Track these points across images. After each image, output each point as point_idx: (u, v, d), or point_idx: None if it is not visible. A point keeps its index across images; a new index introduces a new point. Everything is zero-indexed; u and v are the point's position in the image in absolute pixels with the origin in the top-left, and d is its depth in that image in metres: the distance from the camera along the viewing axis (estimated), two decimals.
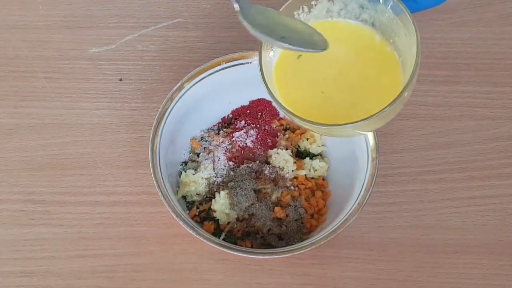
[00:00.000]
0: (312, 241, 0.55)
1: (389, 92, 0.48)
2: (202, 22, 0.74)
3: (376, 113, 0.46)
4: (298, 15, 0.52)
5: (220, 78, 0.63)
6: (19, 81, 0.70)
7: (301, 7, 0.51)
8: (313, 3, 0.51)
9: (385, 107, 0.46)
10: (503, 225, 0.63)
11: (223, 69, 0.62)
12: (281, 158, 0.62)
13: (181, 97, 0.61)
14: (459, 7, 0.75)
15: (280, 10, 0.51)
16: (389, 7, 0.49)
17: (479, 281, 0.60)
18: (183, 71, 0.66)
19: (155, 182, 0.57)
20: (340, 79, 0.51)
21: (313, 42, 0.48)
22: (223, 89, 0.64)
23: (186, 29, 0.73)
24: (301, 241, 0.58)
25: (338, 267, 0.61)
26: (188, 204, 0.63)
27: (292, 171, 0.63)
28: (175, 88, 0.61)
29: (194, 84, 0.62)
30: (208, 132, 0.67)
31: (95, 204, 0.64)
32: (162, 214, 0.63)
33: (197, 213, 0.62)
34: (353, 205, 0.57)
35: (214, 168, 0.63)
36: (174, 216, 0.55)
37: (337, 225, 0.56)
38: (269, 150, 0.64)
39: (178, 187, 0.63)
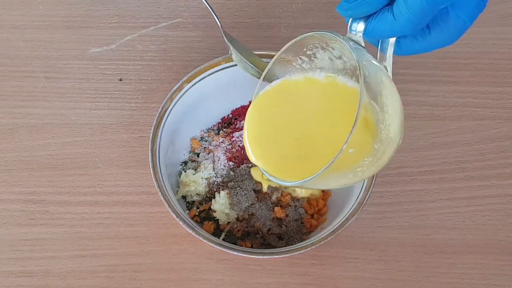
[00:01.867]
0: (312, 241, 0.55)
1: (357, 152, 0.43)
2: (202, 22, 0.74)
3: (310, 177, 0.43)
4: (300, 65, 0.51)
5: (220, 78, 0.63)
6: (19, 81, 0.70)
7: (298, 57, 0.50)
8: (309, 53, 0.49)
9: (319, 171, 0.42)
10: (503, 225, 0.63)
11: (223, 69, 0.62)
12: None
13: (181, 97, 0.61)
14: None
15: (272, 61, 0.50)
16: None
17: (479, 281, 0.60)
18: (183, 71, 0.66)
19: (155, 182, 0.57)
20: (300, 140, 0.49)
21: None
22: (223, 89, 0.64)
23: (186, 29, 0.73)
24: (301, 241, 0.58)
25: (338, 267, 0.61)
26: (188, 204, 0.63)
27: None
28: (175, 88, 0.61)
29: (194, 84, 0.62)
30: (208, 132, 0.66)
31: (95, 204, 0.64)
32: (162, 214, 0.63)
33: (197, 213, 0.62)
34: (353, 205, 0.57)
35: (214, 168, 0.63)
36: (174, 216, 0.55)
37: (337, 225, 0.56)
38: None
39: (178, 187, 0.63)
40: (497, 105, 0.69)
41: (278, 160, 0.50)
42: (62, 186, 0.64)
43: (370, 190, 0.56)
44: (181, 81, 0.61)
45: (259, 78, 0.59)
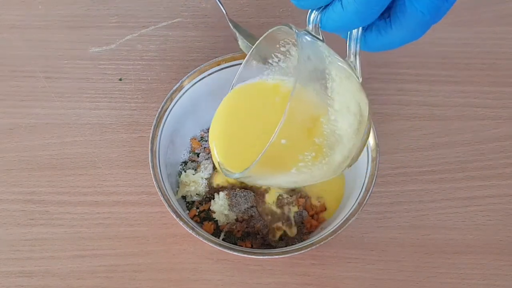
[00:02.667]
0: (312, 241, 0.55)
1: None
2: (202, 22, 0.74)
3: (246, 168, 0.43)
4: (277, 63, 0.50)
5: (220, 78, 0.63)
6: (19, 81, 0.70)
7: (272, 54, 0.50)
8: (283, 49, 0.49)
9: (253, 162, 0.42)
10: (503, 225, 0.63)
11: (223, 69, 0.62)
12: None
13: (181, 97, 0.61)
14: (459, 7, 0.75)
15: (248, 55, 0.50)
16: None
17: (479, 281, 0.60)
18: (183, 71, 0.66)
19: (155, 182, 0.57)
20: (258, 141, 0.49)
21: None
22: (223, 89, 0.64)
23: (186, 29, 0.73)
24: (301, 241, 0.58)
25: (338, 267, 0.61)
26: (188, 204, 0.63)
27: None
28: (175, 88, 0.61)
29: (194, 84, 0.62)
30: (208, 132, 0.66)
31: (95, 204, 0.64)
32: (162, 214, 0.63)
33: (197, 213, 0.62)
34: (353, 205, 0.56)
35: (214, 168, 0.63)
36: (174, 216, 0.55)
37: (337, 225, 0.56)
38: None
39: (178, 187, 0.63)
40: (497, 105, 0.69)
41: (235, 156, 0.50)
42: (62, 186, 0.64)
43: (370, 190, 0.56)
44: (181, 81, 0.61)
45: None
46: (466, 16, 0.74)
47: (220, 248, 0.55)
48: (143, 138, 0.67)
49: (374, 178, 0.57)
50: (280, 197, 0.61)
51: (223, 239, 0.59)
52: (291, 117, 0.41)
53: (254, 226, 0.60)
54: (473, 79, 0.70)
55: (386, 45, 0.45)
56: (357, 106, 0.44)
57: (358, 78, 0.46)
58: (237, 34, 0.59)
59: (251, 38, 0.60)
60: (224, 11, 0.60)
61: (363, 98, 0.45)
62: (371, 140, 0.58)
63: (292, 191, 0.61)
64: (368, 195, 0.56)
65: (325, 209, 0.62)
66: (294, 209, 0.60)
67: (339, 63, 0.45)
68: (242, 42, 0.60)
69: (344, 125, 0.44)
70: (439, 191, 0.64)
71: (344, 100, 0.44)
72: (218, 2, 0.60)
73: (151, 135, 0.59)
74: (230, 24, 0.60)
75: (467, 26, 0.73)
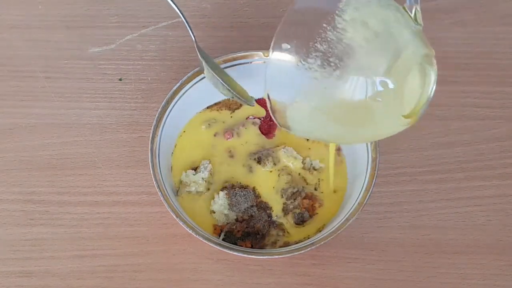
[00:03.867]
0: (312, 241, 0.55)
1: None
2: (202, 22, 0.74)
3: None
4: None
5: None
6: (19, 81, 0.70)
7: None
8: None
9: None
10: (503, 225, 0.63)
11: (223, 69, 0.62)
12: (290, 154, 0.62)
13: (180, 97, 0.61)
14: (460, 7, 0.75)
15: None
16: None
17: (479, 281, 0.60)
18: (183, 71, 0.66)
19: (155, 182, 0.57)
20: None
21: (245, 98, 0.61)
22: None
23: (186, 29, 0.73)
24: (301, 241, 0.58)
25: (338, 267, 0.61)
26: None
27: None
28: (174, 88, 0.61)
29: (193, 84, 0.62)
30: None
31: (95, 204, 0.64)
32: (162, 214, 0.63)
33: None
34: (353, 205, 0.57)
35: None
36: (174, 216, 0.55)
37: (337, 225, 0.56)
38: (277, 147, 0.64)
39: (178, 187, 0.63)
40: (497, 105, 0.69)
41: None
42: (62, 186, 0.64)
43: (370, 190, 0.56)
44: (181, 81, 0.61)
45: (228, 96, 0.60)
46: (466, 16, 0.74)
47: (220, 248, 0.55)
48: (143, 138, 0.67)
49: (374, 178, 0.57)
50: (285, 205, 0.61)
51: (223, 239, 0.59)
52: (291, 15, 0.43)
53: (254, 226, 0.60)
54: (473, 79, 0.70)
55: None
56: (382, 27, 0.44)
57: (409, 16, 0.46)
58: (203, 62, 0.59)
59: (218, 69, 0.60)
60: (193, 38, 0.60)
61: (401, 29, 0.45)
62: None
63: (295, 194, 0.61)
64: (368, 195, 0.56)
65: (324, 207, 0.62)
66: (297, 211, 0.60)
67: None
68: (207, 72, 0.60)
69: (357, 38, 0.43)
70: (439, 191, 0.64)
71: (362, 15, 0.43)
72: (189, 29, 0.60)
73: (151, 135, 0.59)
74: (198, 53, 0.60)
75: (467, 26, 0.73)
